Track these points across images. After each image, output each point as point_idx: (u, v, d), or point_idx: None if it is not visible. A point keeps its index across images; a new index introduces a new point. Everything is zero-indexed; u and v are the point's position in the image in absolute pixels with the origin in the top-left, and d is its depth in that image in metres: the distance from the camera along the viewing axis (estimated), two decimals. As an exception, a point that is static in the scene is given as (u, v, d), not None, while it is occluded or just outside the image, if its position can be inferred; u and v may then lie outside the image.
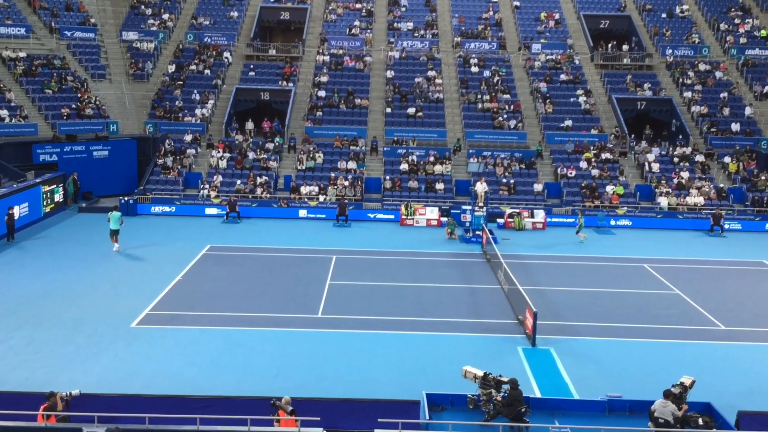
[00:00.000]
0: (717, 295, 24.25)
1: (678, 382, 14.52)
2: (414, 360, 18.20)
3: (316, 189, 36.49)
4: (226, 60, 45.01)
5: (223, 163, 38.19)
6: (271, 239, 30.85)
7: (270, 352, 18.42)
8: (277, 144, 39.81)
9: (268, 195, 36.31)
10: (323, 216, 35.08)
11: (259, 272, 25.73)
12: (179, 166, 37.70)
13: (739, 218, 34.96)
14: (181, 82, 42.95)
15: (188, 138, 39.70)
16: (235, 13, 48.46)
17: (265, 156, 38.78)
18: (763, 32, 46.76)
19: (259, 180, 36.82)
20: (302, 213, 35.33)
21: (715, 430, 13.92)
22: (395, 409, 13.94)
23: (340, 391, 15.76)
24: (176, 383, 16.29)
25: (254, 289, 23.67)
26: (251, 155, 38.72)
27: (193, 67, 44.13)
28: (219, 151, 38.77)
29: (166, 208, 35.13)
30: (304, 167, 38.16)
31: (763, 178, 37.13)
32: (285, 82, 43.32)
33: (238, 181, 36.69)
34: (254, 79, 43.81)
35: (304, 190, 36.51)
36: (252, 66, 44.72)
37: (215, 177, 36.91)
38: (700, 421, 14.21)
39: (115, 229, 27.76)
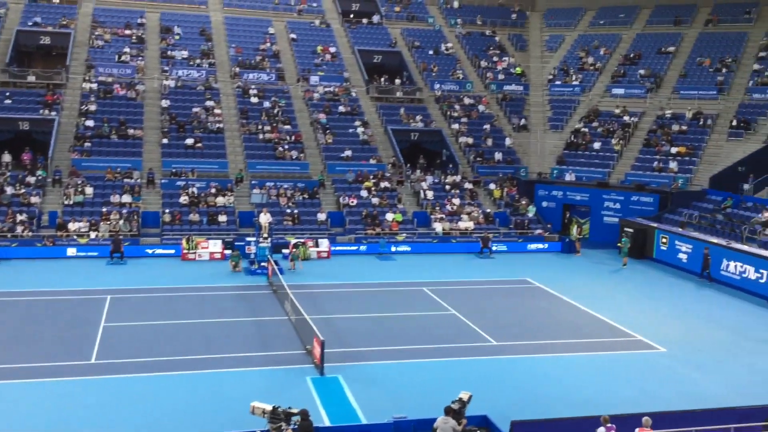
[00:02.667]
0: (488, 312, 25.89)
1: (457, 398, 15.20)
2: (200, 400, 17.41)
3: (87, 225, 34.01)
4: (-23, 86, 40.77)
5: (-25, 200, 34.35)
6: (35, 282, 28.14)
7: (35, 405, 16.67)
8: (39, 177, 36.61)
9: (31, 233, 33.18)
10: (95, 254, 32.75)
11: (20, 319, 23.30)
12: None
13: (505, 240, 37.89)
14: None
15: (-68, 172, 35.30)
16: (-12, 36, 44.18)
17: (26, 191, 35.48)
18: (518, 69, 51.58)
19: (19, 217, 33.54)
20: (71, 251, 32.71)
21: (492, 440, 14.72)
22: (179, 455, 13.17)
23: (118, 442, 14.62)
24: None
25: (15, 338, 21.37)
26: (9, 190, 35.23)
27: (-63, 93, 39.44)
28: (-30, 187, 34.84)
29: None
30: (71, 202, 35.43)
31: (523, 202, 40.65)
32: (47, 111, 40.09)
33: (-5, 219, 33.19)
34: (11, 107, 40.03)
35: (72, 226, 33.85)
36: (8, 93, 40.85)
37: (-34, 215, 33.09)
38: (479, 434, 14.97)
39: None
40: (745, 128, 40.90)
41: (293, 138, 42.24)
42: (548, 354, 21.64)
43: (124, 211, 35.34)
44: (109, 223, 34.38)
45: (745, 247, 30.73)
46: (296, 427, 14.36)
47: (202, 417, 16.41)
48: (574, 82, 49.33)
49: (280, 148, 40.99)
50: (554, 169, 43.08)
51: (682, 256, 33.39)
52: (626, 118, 45.01)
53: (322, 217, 37.34)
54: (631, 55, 49.72)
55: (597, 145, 43.90)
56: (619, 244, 35.19)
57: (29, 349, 20.49)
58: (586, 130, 45.32)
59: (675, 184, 39.03)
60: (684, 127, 42.94)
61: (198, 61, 46.78)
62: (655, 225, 35.74)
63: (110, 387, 18.03)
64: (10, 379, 18.23)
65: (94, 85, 43.03)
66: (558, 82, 49.92)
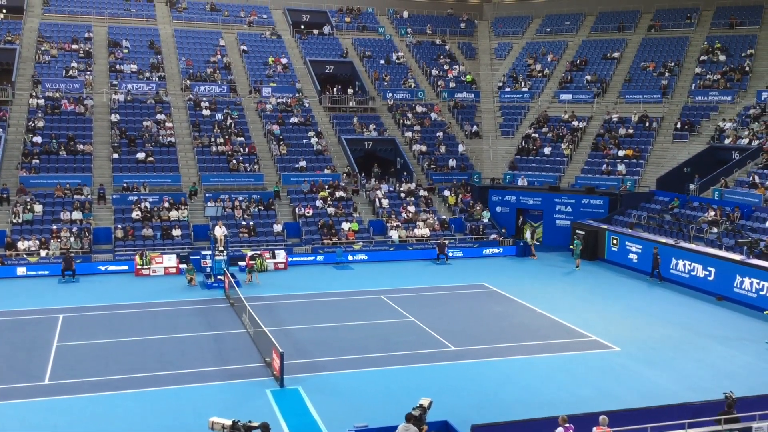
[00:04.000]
0: (446, 318, 26.11)
1: (418, 405, 15.30)
2: (158, 418, 17.18)
3: (37, 243, 33.29)
4: None
5: None
6: (-17, 303, 27.45)
7: (-13, 432, 16.26)
8: (-14, 196, 35.78)
9: (-22, 253, 32.40)
10: (46, 272, 32.08)
11: (-31, 342, 22.69)
12: None
13: (461, 246, 38.24)
14: None
15: None
16: (-72, 52, 43.01)
17: (-27, 210, 34.63)
18: (469, 77, 52.21)
19: (-35, 237, 32.72)
20: (21, 271, 31.96)
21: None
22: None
23: (75, 463, 14.35)
24: None
25: (-36, 362, 20.81)
26: (-45, 210, 34.35)
27: None
28: None
29: None
30: (20, 220, 34.64)
31: (477, 208, 41.10)
32: (-7, 128, 39.23)
33: (-61, 240, 32.27)
34: (-45, 124, 39.09)
35: (21, 245, 33.10)
36: (-49, 110, 39.90)
37: None
38: (441, 439, 15.08)
39: None
40: (690, 130, 42.11)
41: (247, 150, 42.02)
42: (506, 357, 21.92)
43: (75, 228, 34.67)
44: (59, 240, 33.70)
45: (693, 246, 31.57)
46: (257, 440, 14.26)
47: (162, 434, 16.21)
48: (524, 89, 50.15)
49: (234, 161, 40.74)
50: (507, 175, 43.69)
51: (633, 257, 34.16)
52: (574, 122, 45.92)
53: (278, 228, 37.19)
54: (578, 62, 50.79)
55: (547, 150, 44.69)
56: (571, 247, 35.82)
57: (-21, 372, 20.00)
58: (537, 135, 46.09)
59: (623, 187, 39.94)
60: (630, 131, 44.00)
61: (147, 74, 46.25)
62: (605, 227, 36.50)
63: (65, 408, 17.68)
64: (-40, 404, 17.77)
65: (42, 101, 42.21)
66: (508, 89, 50.69)
